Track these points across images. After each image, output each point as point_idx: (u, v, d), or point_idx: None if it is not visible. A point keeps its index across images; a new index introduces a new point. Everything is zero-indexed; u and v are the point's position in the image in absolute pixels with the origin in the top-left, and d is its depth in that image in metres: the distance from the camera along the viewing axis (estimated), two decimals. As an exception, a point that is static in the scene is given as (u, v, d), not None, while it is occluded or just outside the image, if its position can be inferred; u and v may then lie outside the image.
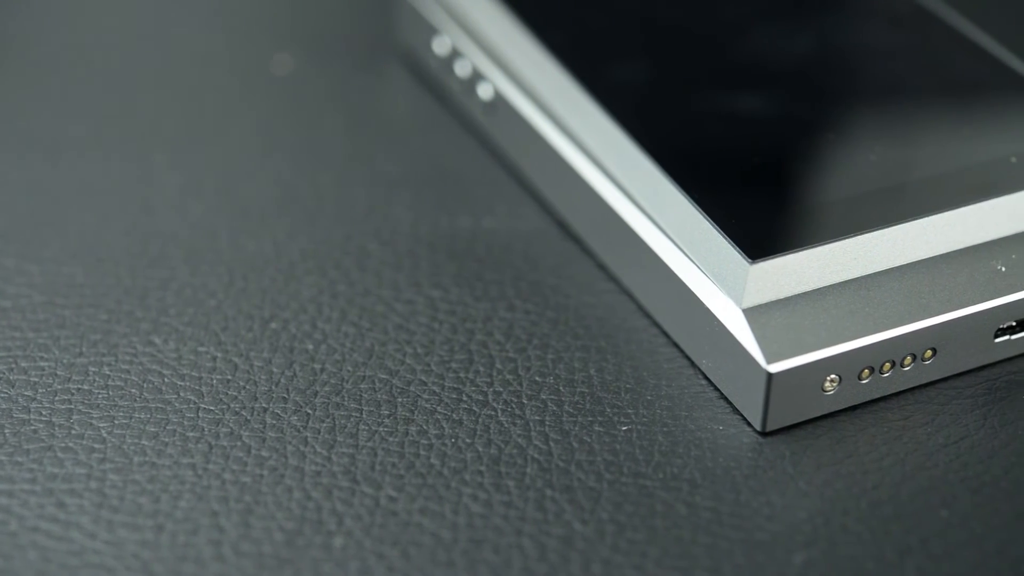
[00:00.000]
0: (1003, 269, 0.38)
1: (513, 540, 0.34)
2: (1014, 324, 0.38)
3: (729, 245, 0.37)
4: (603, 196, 0.40)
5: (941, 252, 0.38)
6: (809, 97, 0.42)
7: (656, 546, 0.34)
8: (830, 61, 0.43)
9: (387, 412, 0.37)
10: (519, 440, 0.36)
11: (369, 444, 0.36)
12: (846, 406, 0.37)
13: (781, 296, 0.37)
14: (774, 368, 0.35)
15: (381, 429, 0.36)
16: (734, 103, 0.41)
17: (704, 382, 0.38)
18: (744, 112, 0.41)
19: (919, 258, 0.38)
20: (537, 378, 0.38)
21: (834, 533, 0.34)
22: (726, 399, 0.37)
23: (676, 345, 0.39)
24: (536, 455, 0.36)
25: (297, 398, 0.37)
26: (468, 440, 0.36)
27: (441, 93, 0.47)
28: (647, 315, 0.39)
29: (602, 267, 0.41)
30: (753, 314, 0.36)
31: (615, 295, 0.40)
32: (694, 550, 0.34)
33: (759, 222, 0.37)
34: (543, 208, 0.43)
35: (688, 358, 0.38)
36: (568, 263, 0.41)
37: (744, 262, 0.36)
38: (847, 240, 0.37)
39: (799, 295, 0.37)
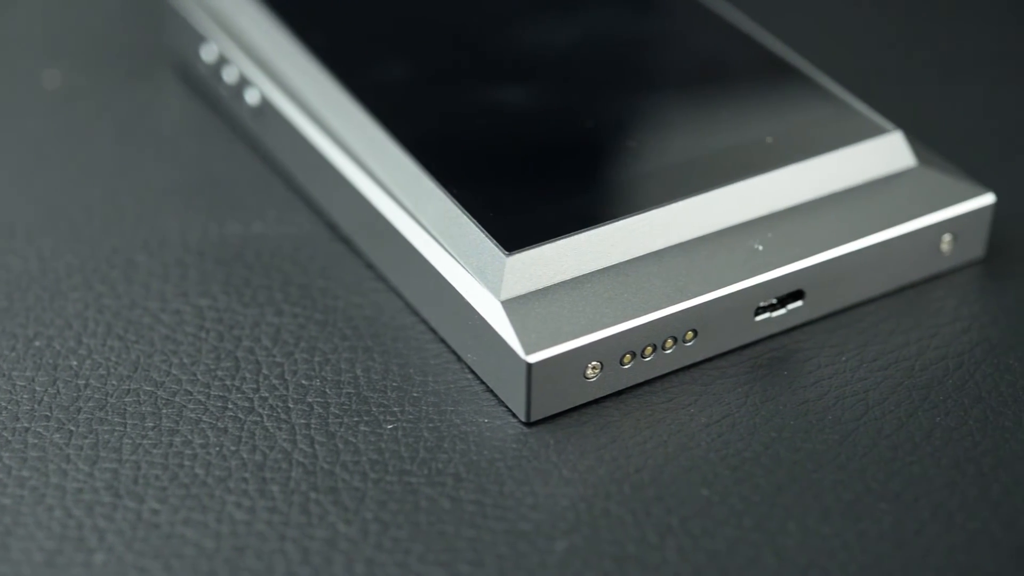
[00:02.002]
0: (760, 248, 0.38)
1: (276, 545, 0.34)
2: (775, 301, 0.39)
3: (486, 238, 0.37)
4: (366, 196, 0.40)
5: (699, 234, 0.38)
6: (567, 88, 0.42)
7: (419, 542, 0.34)
8: (587, 51, 0.43)
9: (151, 424, 0.37)
10: (284, 445, 0.36)
11: (133, 458, 0.36)
12: (611, 392, 0.37)
13: (540, 286, 0.37)
14: (533, 358, 0.36)
15: (145, 442, 0.36)
16: (492, 97, 0.41)
17: (470, 376, 0.38)
18: (502, 106, 0.41)
19: (677, 241, 0.38)
20: (304, 381, 0.38)
21: (596, 518, 0.34)
22: (492, 392, 0.37)
23: (443, 341, 0.39)
24: (301, 459, 0.36)
25: (60, 415, 0.37)
26: (233, 448, 0.36)
27: (212, 100, 0.47)
28: (415, 312, 0.39)
29: (370, 267, 0.41)
30: (512, 305, 0.36)
31: (383, 294, 0.40)
32: (458, 544, 0.34)
33: (516, 214, 0.38)
34: (313, 211, 0.43)
35: (455, 353, 0.38)
36: (337, 264, 0.41)
37: (501, 254, 0.37)
38: (603, 227, 0.37)
39: (558, 284, 0.37)
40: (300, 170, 0.43)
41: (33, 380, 0.38)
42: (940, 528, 0.34)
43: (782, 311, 0.39)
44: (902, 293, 0.40)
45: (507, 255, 0.36)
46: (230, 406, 0.37)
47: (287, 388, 0.37)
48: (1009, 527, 0.34)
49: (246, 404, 0.37)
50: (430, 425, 0.36)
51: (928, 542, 0.34)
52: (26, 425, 0.36)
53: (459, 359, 0.38)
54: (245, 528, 0.34)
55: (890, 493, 0.35)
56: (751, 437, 0.36)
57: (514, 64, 0.43)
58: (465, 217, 0.37)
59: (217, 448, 0.36)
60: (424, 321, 0.39)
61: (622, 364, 0.37)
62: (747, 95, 0.42)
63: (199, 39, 0.46)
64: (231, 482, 0.35)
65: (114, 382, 0.38)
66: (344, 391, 0.37)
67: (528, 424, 0.37)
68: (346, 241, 0.42)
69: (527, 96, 0.41)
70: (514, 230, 0.37)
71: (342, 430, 0.36)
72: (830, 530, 0.34)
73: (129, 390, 0.37)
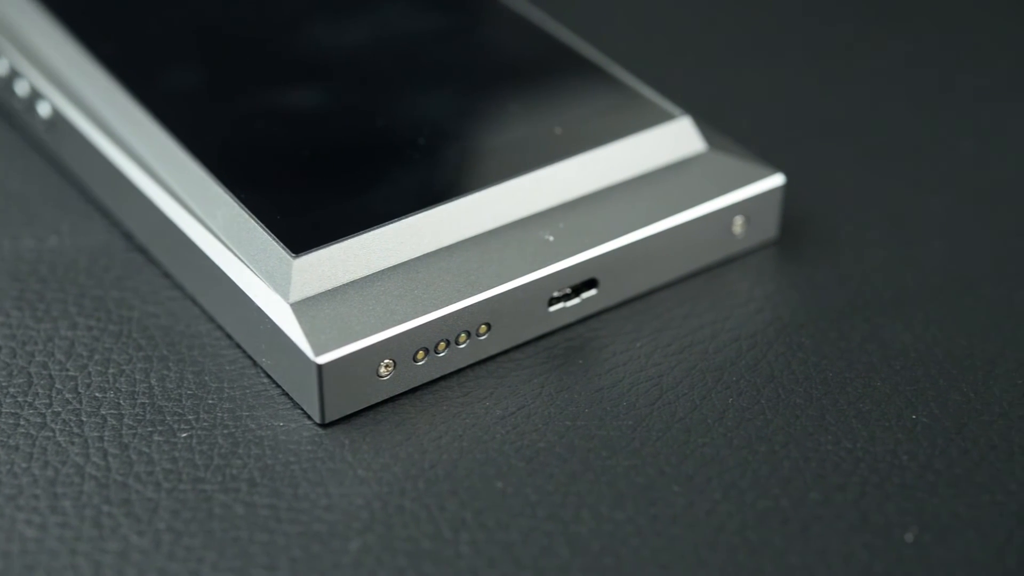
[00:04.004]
0: (551, 239, 0.39)
1: (67, 561, 0.33)
2: (568, 291, 0.39)
3: (273, 241, 0.37)
4: (157, 204, 0.40)
5: (489, 228, 0.38)
6: (353, 88, 0.42)
7: (213, 550, 0.34)
8: (372, 49, 0.43)
9: (-59, 445, 0.36)
10: (77, 459, 0.36)
11: (-79, 480, 0.35)
12: (406, 389, 0.37)
13: (329, 287, 0.37)
14: (322, 359, 0.35)
15: (-66, 463, 0.36)
16: (278, 100, 0.41)
17: (266, 380, 0.38)
18: (290, 109, 0.41)
19: (468, 235, 0.38)
20: (97, 394, 0.37)
21: (391, 516, 0.34)
22: (287, 395, 0.37)
23: (239, 346, 0.38)
24: (94, 472, 0.35)
25: None
26: (24, 465, 0.36)
27: (6, 114, 0.46)
28: (211, 319, 0.39)
29: (167, 275, 0.40)
30: (301, 307, 0.36)
31: (179, 302, 0.40)
32: (251, 549, 0.34)
33: (303, 216, 0.38)
34: (110, 222, 0.42)
35: (250, 358, 0.38)
36: (133, 275, 0.41)
37: (287, 257, 0.36)
38: (391, 225, 0.37)
39: (347, 284, 0.37)
40: (94, 181, 0.42)
41: None
42: (731, 507, 0.35)
43: (576, 300, 0.39)
44: (697, 277, 0.41)
45: (294, 257, 0.36)
46: (22, 423, 0.37)
47: (80, 402, 0.37)
48: (798, 503, 0.35)
49: (38, 420, 0.37)
50: (225, 431, 0.36)
51: (719, 521, 0.34)
52: None
53: (255, 364, 0.38)
54: (36, 545, 0.34)
55: (683, 475, 0.35)
56: (546, 427, 0.37)
57: (300, 66, 0.42)
58: (252, 221, 0.37)
59: (8, 466, 0.36)
60: (220, 327, 0.39)
61: (415, 361, 0.37)
62: (535, 86, 0.42)
63: (-10, 53, 0.45)
64: (21, 499, 0.35)
65: (-97, 404, 0.37)
66: (138, 402, 0.37)
67: (323, 425, 0.36)
68: (142, 251, 0.41)
69: (313, 98, 0.41)
70: (301, 232, 0.37)
71: (136, 441, 0.36)
72: (623, 516, 0.35)
73: (-82, 412, 0.37)
